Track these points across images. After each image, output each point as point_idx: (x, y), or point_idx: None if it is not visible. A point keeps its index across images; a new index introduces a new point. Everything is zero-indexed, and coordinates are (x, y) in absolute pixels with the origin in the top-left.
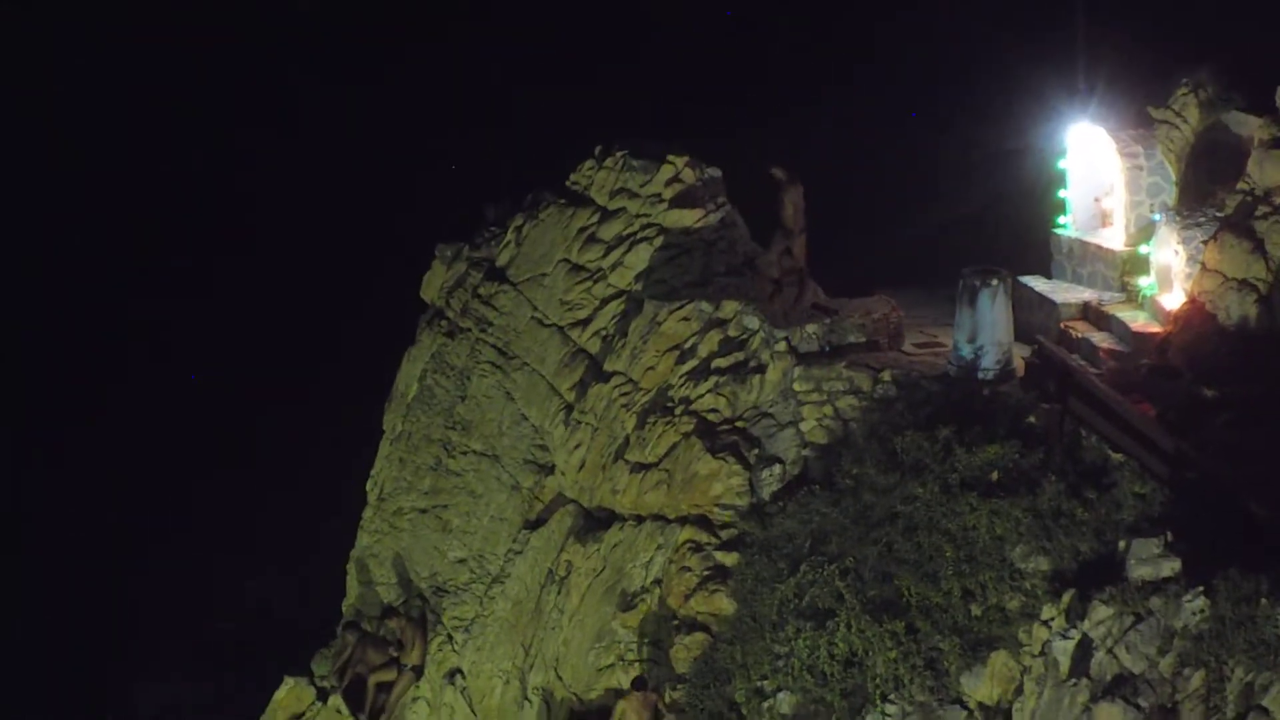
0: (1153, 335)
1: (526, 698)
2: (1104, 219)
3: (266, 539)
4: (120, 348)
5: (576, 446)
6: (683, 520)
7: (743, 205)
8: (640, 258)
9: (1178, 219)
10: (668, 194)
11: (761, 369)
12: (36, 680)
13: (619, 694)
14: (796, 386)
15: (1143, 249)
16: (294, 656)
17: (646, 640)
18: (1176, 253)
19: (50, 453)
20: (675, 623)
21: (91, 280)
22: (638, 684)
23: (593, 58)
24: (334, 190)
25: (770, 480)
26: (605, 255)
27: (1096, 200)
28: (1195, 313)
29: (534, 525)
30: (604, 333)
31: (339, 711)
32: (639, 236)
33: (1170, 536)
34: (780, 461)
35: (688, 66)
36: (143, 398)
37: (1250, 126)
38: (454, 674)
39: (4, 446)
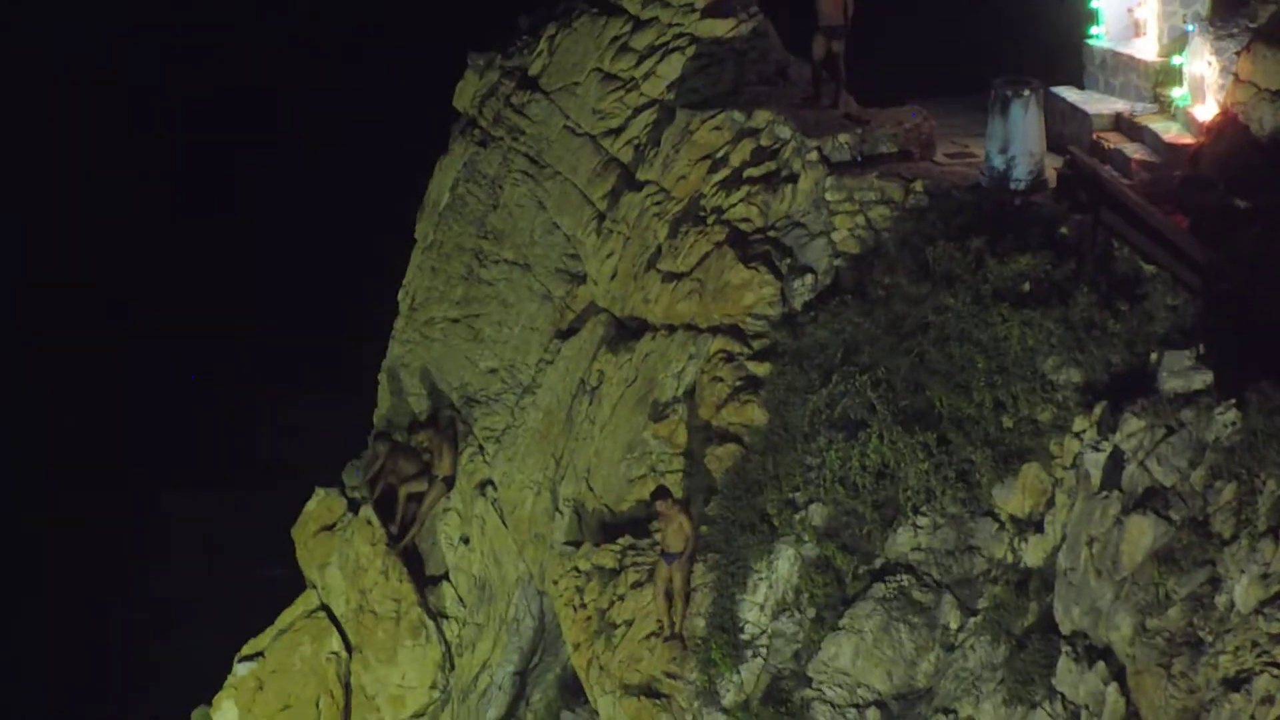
0: (1185, 146)
1: (558, 509)
2: (1137, 29)
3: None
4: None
5: (608, 255)
6: (714, 330)
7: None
8: (673, 67)
9: (1211, 30)
10: (700, 3)
11: (794, 178)
12: None
13: (651, 504)
14: (828, 196)
15: (1175, 60)
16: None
17: (678, 451)
18: (1209, 64)
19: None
20: (707, 433)
21: (89, 278)
22: (659, 493)
23: None
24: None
25: (802, 290)
26: (638, 64)
27: (1129, 10)
28: (1228, 124)
29: (565, 335)
30: (636, 142)
31: (369, 522)
32: (671, 46)
33: (1202, 349)
34: (812, 271)
35: None
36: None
37: None
38: (485, 485)
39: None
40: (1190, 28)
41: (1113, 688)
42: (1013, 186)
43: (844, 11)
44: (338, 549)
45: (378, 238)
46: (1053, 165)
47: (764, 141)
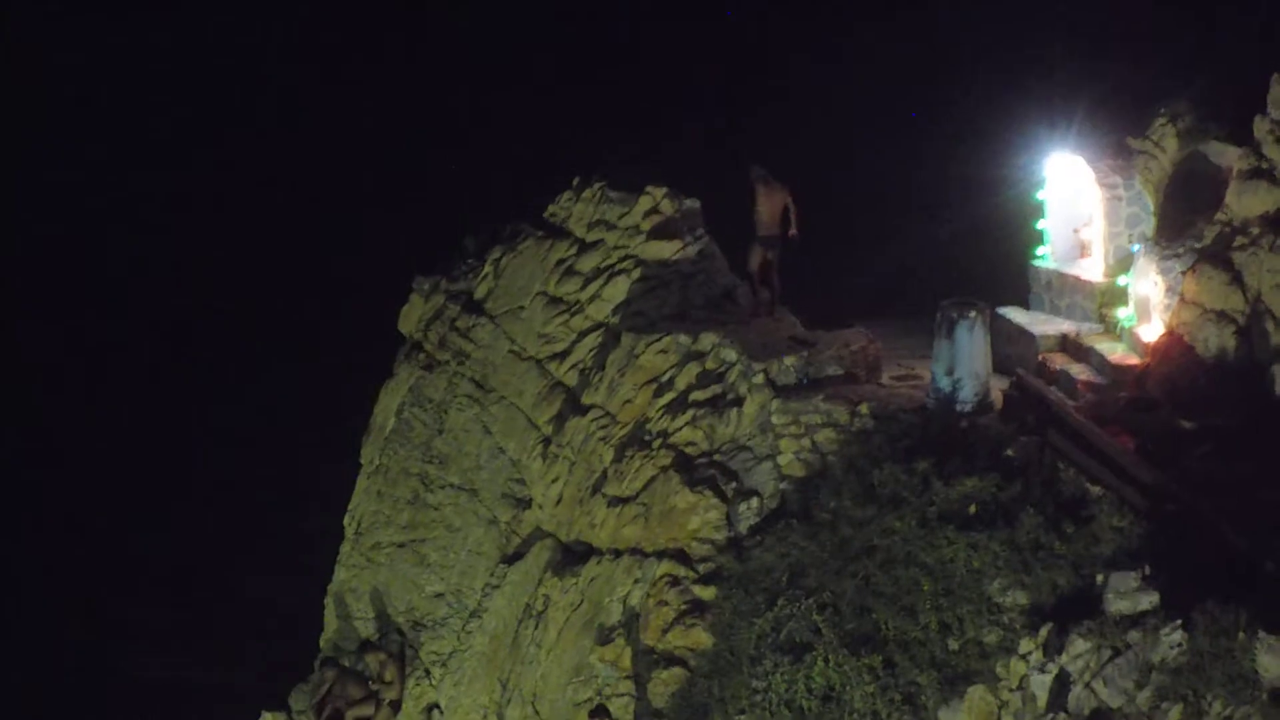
0: (1131, 367)
1: None
2: (1082, 250)
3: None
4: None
5: (554, 480)
6: (660, 554)
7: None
8: (618, 290)
9: (1156, 250)
10: (646, 226)
11: (739, 402)
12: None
13: None
14: (774, 419)
15: (1121, 280)
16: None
17: (624, 675)
18: (1155, 284)
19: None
20: (653, 657)
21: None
22: (598, 712)
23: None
24: (308, 226)
25: (748, 514)
26: (583, 288)
27: (1075, 231)
28: (1173, 344)
29: (511, 559)
30: (581, 366)
31: None
32: (617, 269)
33: (1148, 570)
34: (758, 495)
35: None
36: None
37: (1228, 157)
38: (432, 709)
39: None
40: (1136, 248)
41: None
42: (959, 408)
43: (782, 222)
44: None
45: (378, 239)
46: (999, 387)
47: (710, 365)
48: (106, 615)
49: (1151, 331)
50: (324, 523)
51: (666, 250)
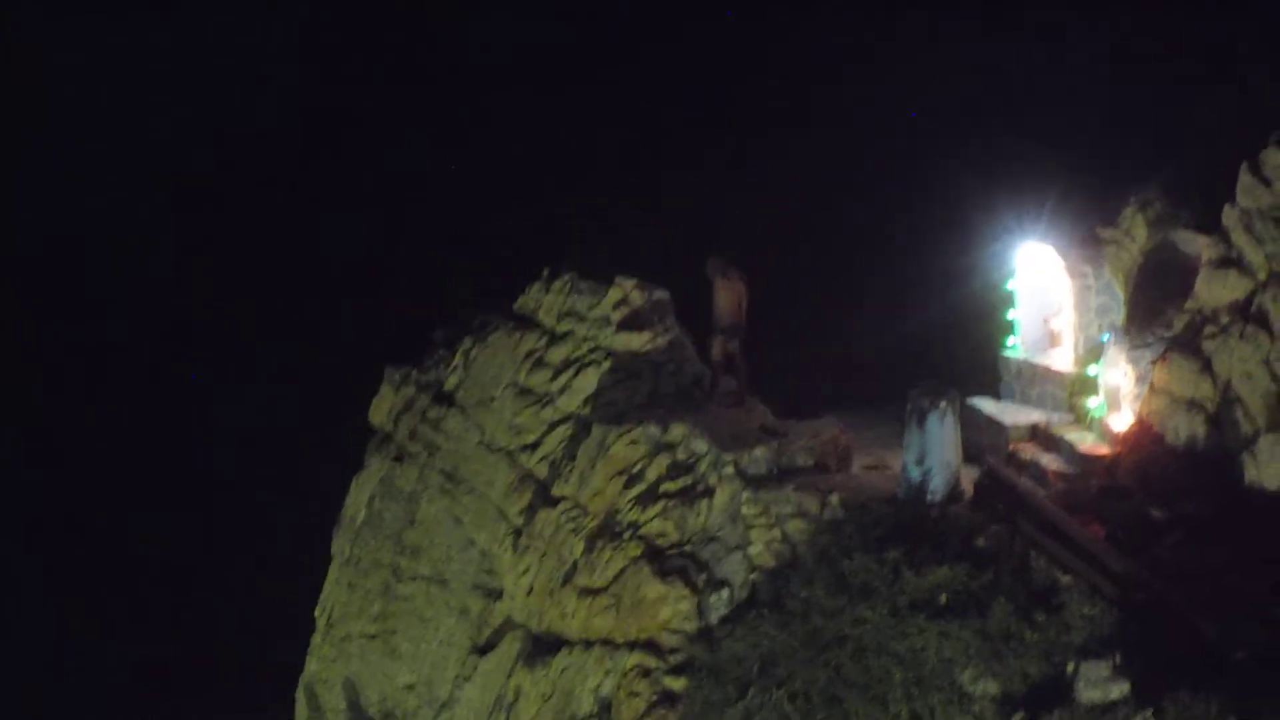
0: (1101, 456)
1: None
2: (1053, 340)
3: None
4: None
5: (525, 571)
6: (631, 645)
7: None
8: (588, 381)
9: (1126, 339)
10: (616, 317)
11: (710, 492)
12: None
13: None
14: (745, 510)
15: (1091, 369)
16: None
17: None
18: (1125, 373)
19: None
20: None
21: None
22: None
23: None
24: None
25: (719, 604)
26: (553, 379)
27: (1045, 321)
28: (1144, 433)
29: (483, 650)
30: (552, 457)
31: None
32: (587, 360)
33: (1119, 658)
34: (729, 585)
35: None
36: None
37: (1198, 245)
38: None
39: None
40: (1106, 337)
41: None
42: (930, 498)
43: (739, 310)
44: None
45: (375, 241)
46: (970, 476)
47: (680, 455)
48: (106, 615)
49: (1122, 420)
50: (324, 523)
51: (636, 341)
